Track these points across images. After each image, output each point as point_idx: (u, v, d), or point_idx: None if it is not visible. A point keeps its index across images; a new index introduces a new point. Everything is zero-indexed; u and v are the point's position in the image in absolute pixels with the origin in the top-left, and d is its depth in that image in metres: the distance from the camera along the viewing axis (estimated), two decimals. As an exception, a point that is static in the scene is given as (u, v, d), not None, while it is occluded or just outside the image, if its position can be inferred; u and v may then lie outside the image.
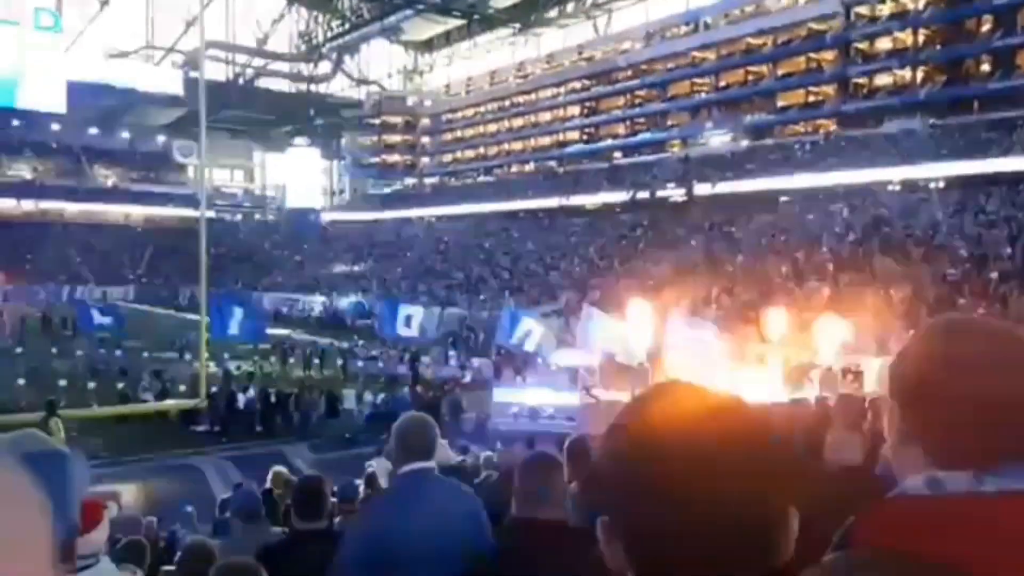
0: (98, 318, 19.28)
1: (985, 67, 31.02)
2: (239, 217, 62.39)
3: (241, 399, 17.90)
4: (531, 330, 16.82)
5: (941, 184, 28.48)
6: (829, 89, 36.75)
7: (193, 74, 48.75)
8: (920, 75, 33.01)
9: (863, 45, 35.19)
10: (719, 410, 0.75)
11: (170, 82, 55.02)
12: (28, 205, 52.41)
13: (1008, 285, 19.63)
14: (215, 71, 57.00)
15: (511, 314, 17.84)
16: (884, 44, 34.48)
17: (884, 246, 24.65)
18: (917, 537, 0.82)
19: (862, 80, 35.38)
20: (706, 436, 0.72)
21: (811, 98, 37.58)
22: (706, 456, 0.70)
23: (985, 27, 30.85)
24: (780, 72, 38.62)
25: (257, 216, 64.35)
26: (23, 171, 55.00)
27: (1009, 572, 0.78)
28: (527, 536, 2.12)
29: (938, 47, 32.30)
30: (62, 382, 18.81)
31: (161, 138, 59.41)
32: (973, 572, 0.78)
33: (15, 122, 52.31)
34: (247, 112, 58.26)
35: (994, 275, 20.45)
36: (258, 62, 64.20)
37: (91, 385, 18.96)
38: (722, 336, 15.13)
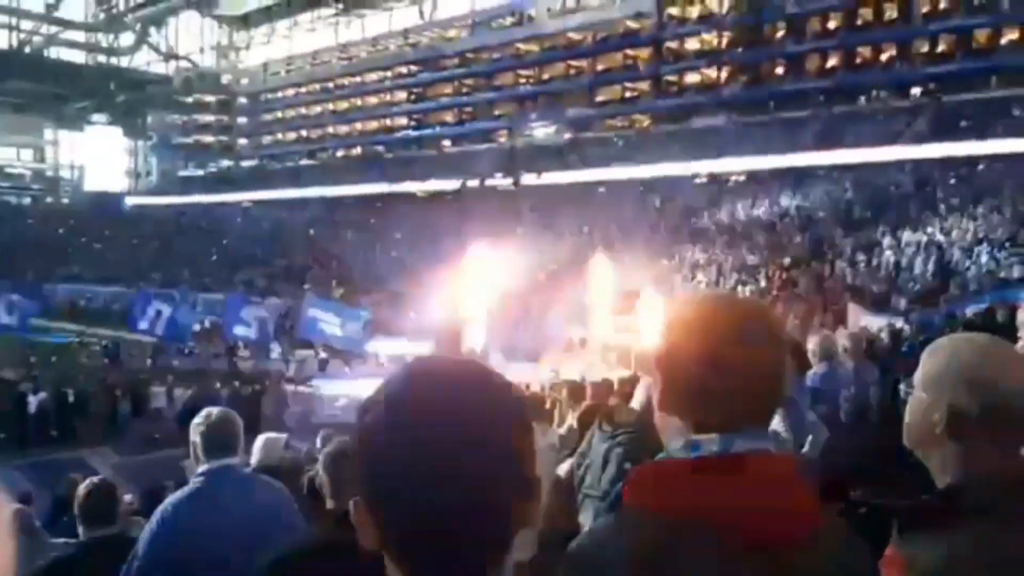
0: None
1: (779, 70, 34.04)
2: (27, 200, 56.28)
3: (32, 401, 16.16)
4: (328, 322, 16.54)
5: (742, 178, 31.00)
6: (644, 85, 38.81)
7: (-33, 38, 43.33)
8: (724, 75, 35.68)
9: (674, 45, 37.46)
10: (466, 382, 0.74)
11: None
12: None
13: (799, 269, 21.71)
14: (-4, 37, 50.98)
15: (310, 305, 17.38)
16: (693, 44, 36.92)
17: (692, 234, 26.49)
18: (677, 495, 0.93)
19: (673, 78, 37.67)
20: (448, 408, 0.71)
21: (627, 94, 39.52)
22: (445, 429, 0.70)
23: (779, 34, 33.84)
24: (599, 67, 40.25)
25: (50, 199, 58.30)
26: None
27: (757, 521, 0.90)
28: (336, 526, 2.02)
29: (739, 50, 35.04)
30: None
31: (-71, 110, 52.37)
32: (728, 522, 0.89)
33: None
34: (36, 84, 52.57)
35: (787, 260, 22.53)
36: (48, 30, 57.95)
37: None
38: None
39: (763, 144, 30.06)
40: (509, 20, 44.47)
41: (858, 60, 31.73)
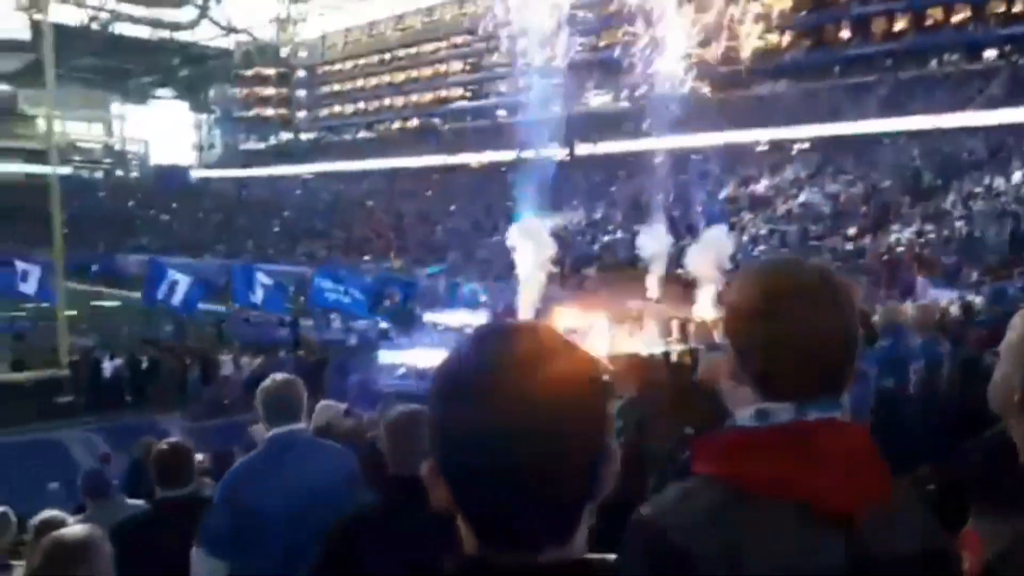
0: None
1: (844, 34, 32.81)
2: (98, 174, 58.20)
3: (107, 367, 16.88)
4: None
5: (806, 146, 30.12)
6: (704, 52, 37.86)
7: (38, 16, 44.64)
8: (787, 40, 34.58)
9: (735, 10, 36.38)
10: (535, 345, 0.74)
11: (14, 25, 50.22)
12: None
13: (864, 240, 21.09)
14: (66, 14, 52.39)
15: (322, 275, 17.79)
16: (755, 8, 35.80)
17: (753, 204, 25.91)
18: (748, 464, 0.91)
19: (733, 43, 36.63)
20: (518, 370, 0.71)
21: (685, 61, 38.61)
22: (523, 396, 0.71)
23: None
24: (657, 34, 39.37)
25: (119, 173, 60.21)
26: None
27: (828, 488, 0.88)
28: (401, 494, 2.08)
29: (803, 13, 33.86)
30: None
31: (5, 87, 54.30)
32: (800, 493, 0.88)
33: None
34: (103, 60, 54.06)
35: (851, 230, 21.90)
36: (113, 6, 59.37)
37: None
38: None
39: (827, 111, 29.12)
40: (566, -13, 43.75)
41: (928, 22, 30.34)
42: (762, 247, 22.84)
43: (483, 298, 22.73)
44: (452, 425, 0.72)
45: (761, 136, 30.99)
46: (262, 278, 17.86)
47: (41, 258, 17.40)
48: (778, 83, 33.22)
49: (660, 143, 34.01)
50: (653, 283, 22.00)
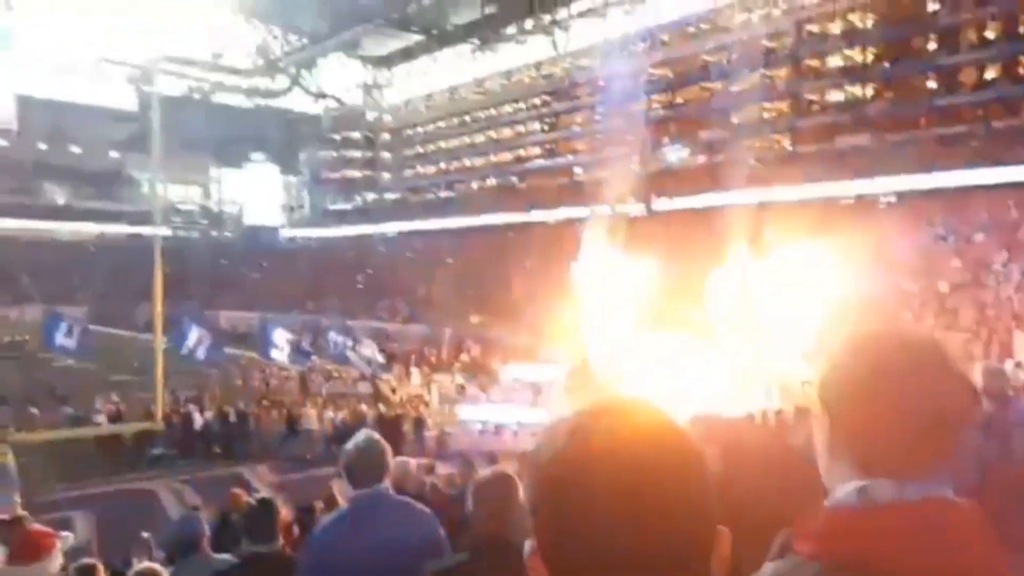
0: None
1: (931, 84, 32.02)
2: (195, 234, 61.33)
3: (198, 420, 17.54)
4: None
5: (892, 199, 29.26)
6: (783, 105, 37.55)
7: (147, 89, 47.99)
8: (870, 92, 33.95)
9: (814, 62, 36.08)
10: (651, 436, 0.72)
11: (123, 97, 54.08)
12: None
13: (958, 296, 20.19)
14: (170, 86, 56.18)
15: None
16: (835, 61, 35.41)
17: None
18: (847, 544, 0.86)
19: (814, 96, 36.23)
20: (634, 464, 0.69)
21: (765, 114, 38.35)
22: (633, 485, 0.68)
23: (931, 46, 31.86)
24: (734, 89, 39.35)
25: (214, 233, 63.32)
26: (-31, 188, 53.51)
27: (930, 569, 0.82)
28: (487, 554, 2.11)
29: (886, 64, 33.25)
30: (4, 407, 18.16)
31: (114, 154, 58.24)
32: (899, 572, 0.82)
33: (-39, 138, 50.98)
34: (203, 127, 57.46)
35: (944, 286, 21.02)
36: (214, 77, 63.41)
37: (34, 410, 18.30)
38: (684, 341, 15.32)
39: (915, 163, 28.29)
40: (641, 46, 44.37)
41: (1021, 70, 29.33)
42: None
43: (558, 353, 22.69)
44: (557, 514, 0.70)
45: (846, 190, 30.28)
46: (282, 333, 18.63)
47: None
48: (861, 135, 32.52)
49: (739, 197, 33.67)
50: (731, 339, 21.55)
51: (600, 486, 0.69)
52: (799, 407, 8.54)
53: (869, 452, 0.91)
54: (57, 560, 2.16)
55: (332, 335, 20.47)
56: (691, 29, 41.81)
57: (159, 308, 15.43)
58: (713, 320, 21.82)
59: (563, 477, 0.71)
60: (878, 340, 0.96)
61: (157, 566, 4.02)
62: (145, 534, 8.80)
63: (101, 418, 17.75)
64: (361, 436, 2.61)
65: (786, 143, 37.51)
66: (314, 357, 23.87)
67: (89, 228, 55.65)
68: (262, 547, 3.03)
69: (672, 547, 0.68)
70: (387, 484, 2.41)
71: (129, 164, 57.02)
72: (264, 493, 10.30)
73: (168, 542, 3.88)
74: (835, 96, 35.54)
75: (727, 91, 39.44)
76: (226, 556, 3.94)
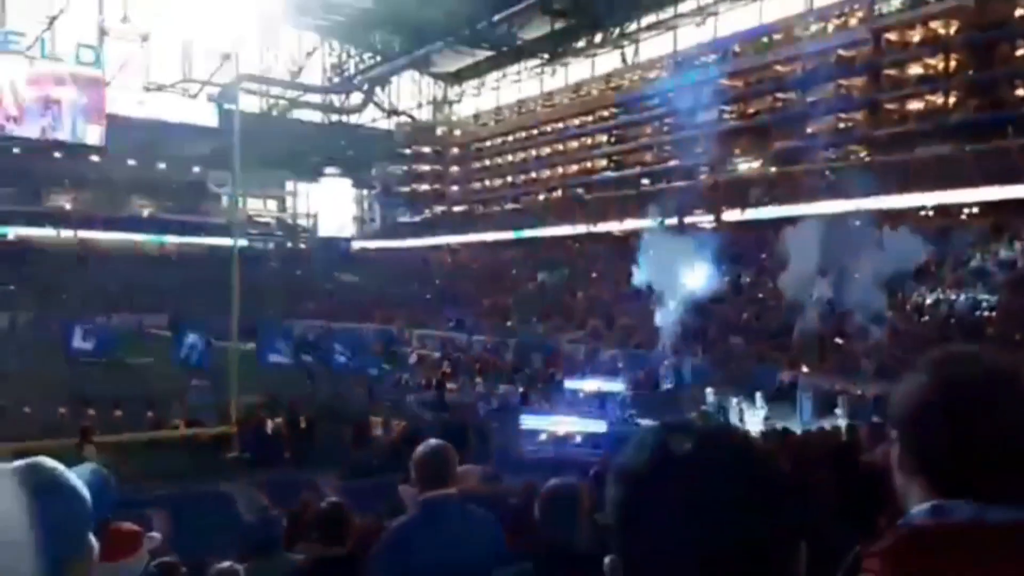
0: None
1: (1020, 92, 30.68)
2: (271, 246, 63.20)
3: (270, 425, 17.99)
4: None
5: (975, 210, 28.10)
6: (859, 115, 36.53)
7: (228, 107, 49.88)
8: (952, 100, 32.74)
9: (893, 71, 35.02)
10: (730, 451, 0.74)
11: (206, 115, 56.27)
12: (67, 235, 53.70)
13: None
14: (249, 104, 58.22)
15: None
16: (915, 70, 34.30)
17: (916, 273, 24.31)
18: (922, 565, 0.84)
19: (893, 106, 35.14)
20: (704, 471, 0.72)
21: (841, 124, 37.37)
22: (704, 491, 0.70)
23: (1019, 52, 30.57)
24: (809, 99, 38.49)
25: (289, 244, 65.15)
26: (63, 202, 56.42)
27: None
28: (549, 564, 2.13)
29: (970, 72, 32.02)
30: (91, 410, 18.95)
31: (196, 169, 60.60)
32: None
33: (57, 155, 53.83)
34: (280, 143, 59.29)
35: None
36: (291, 94, 65.45)
37: (117, 413, 19.09)
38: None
39: (1000, 172, 27.11)
40: (712, 57, 43.85)
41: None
42: (926, 318, 21.35)
43: (621, 365, 22.56)
44: (639, 526, 0.72)
45: (926, 200, 29.21)
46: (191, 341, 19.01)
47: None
48: (944, 144, 31.34)
49: (812, 208, 32.83)
50: (807, 353, 21.05)
51: (680, 498, 0.70)
52: (874, 424, 8.28)
53: (946, 472, 0.89)
54: (144, 559, 2.28)
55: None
56: (763, 39, 41.11)
57: (236, 316, 15.93)
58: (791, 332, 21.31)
59: (646, 489, 0.73)
60: (953, 361, 0.95)
61: (237, 565, 4.16)
62: (219, 535, 9.11)
63: (179, 422, 18.40)
64: (429, 443, 2.66)
65: (863, 153, 36.42)
66: (385, 365, 24.33)
67: (172, 240, 58.03)
68: (333, 550, 3.09)
69: (749, 559, 0.69)
70: (453, 490, 2.45)
71: (210, 179, 59.23)
72: (333, 498, 10.54)
73: (246, 542, 3.99)
74: (914, 105, 34.40)
75: (801, 101, 38.60)
76: (298, 557, 4.05)
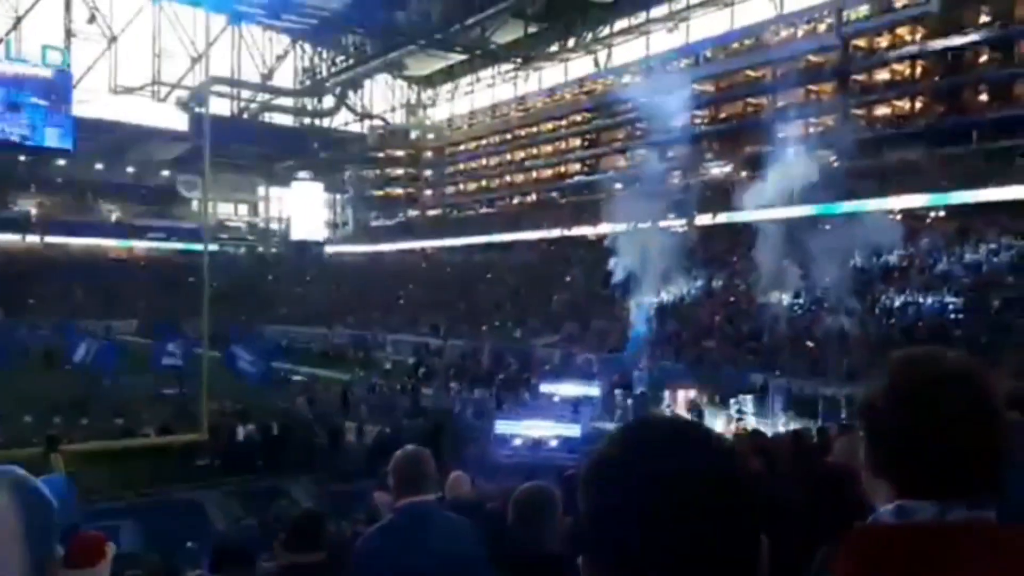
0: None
1: (983, 97, 31.32)
2: (242, 250, 62.60)
3: (241, 432, 17.79)
4: None
5: (941, 213, 28.62)
6: (829, 120, 37.05)
7: (199, 110, 49.34)
8: (919, 106, 33.34)
9: (862, 77, 35.58)
10: (696, 445, 0.74)
11: (175, 118, 55.60)
12: (33, 240, 52.74)
13: (1012, 313, 19.62)
14: (220, 106, 57.64)
15: None
16: (883, 75, 34.87)
17: (884, 276, 24.74)
18: (886, 565, 0.85)
19: (860, 111, 35.69)
20: (680, 471, 0.71)
21: (810, 130, 37.85)
22: (674, 486, 0.70)
23: (982, 58, 31.21)
24: (779, 104, 38.96)
25: (260, 249, 64.56)
26: (29, 206, 55.42)
27: None
28: (522, 567, 2.13)
29: (936, 78, 32.62)
30: (57, 419, 18.60)
31: (166, 173, 59.87)
32: None
33: (22, 157, 52.84)
34: (251, 146, 58.77)
35: (996, 303, 20.46)
36: (263, 97, 64.91)
37: (84, 421, 18.76)
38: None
39: (965, 177, 27.65)
40: (684, 63, 44.24)
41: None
42: (894, 320, 21.70)
43: (596, 369, 22.65)
44: (607, 520, 0.72)
45: (893, 204, 29.69)
46: (171, 348, 18.96)
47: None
48: (911, 150, 31.88)
49: (782, 212, 33.23)
50: (779, 356, 21.30)
51: (646, 490, 0.71)
52: (842, 425, 8.39)
53: (907, 471, 0.91)
54: (107, 566, 2.22)
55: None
56: (734, 45, 41.58)
57: (206, 323, 15.71)
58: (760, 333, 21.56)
59: (612, 484, 0.73)
60: (910, 360, 0.97)
61: (208, 574, 4.10)
62: (190, 544, 8.97)
63: (149, 430, 18.12)
64: (408, 448, 2.63)
65: (831, 158, 36.94)
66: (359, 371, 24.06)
67: (141, 244, 57.24)
68: (306, 557, 3.06)
69: (714, 550, 0.70)
70: (431, 497, 2.43)
71: (180, 182, 58.52)
72: (307, 505, 10.43)
73: (220, 551, 3.95)
74: (882, 110, 34.99)
75: (771, 106, 39.07)
76: (270, 565, 4.01)
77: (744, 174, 38.97)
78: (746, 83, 40.60)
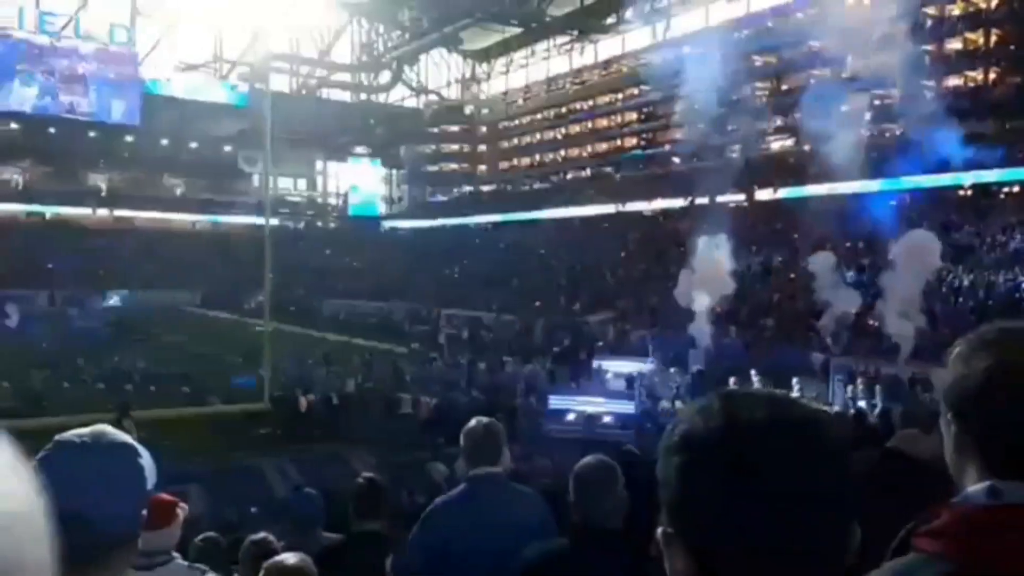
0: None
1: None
2: (301, 225, 63.73)
3: (303, 402, 18.24)
4: None
5: (1015, 189, 27.45)
6: (895, 91, 35.70)
7: (258, 86, 50.18)
8: (992, 76, 31.92)
9: (932, 47, 34.16)
10: (797, 420, 0.72)
11: (236, 94, 56.69)
12: (102, 213, 54.63)
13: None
14: (279, 82, 58.49)
15: None
16: (955, 45, 33.43)
17: (955, 253, 23.91)
18: (977, 545, 0.84)
19: (930, 82, 34.28)
20: (778, 442, 0.70)
21: (876, 101, 36.56)
22: (778, 468, 0.68)
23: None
24: (844, 75, 37.65)
25: (319, 224, 65.65)
26: (99, 181, 57.33)
27: None
28: (589, 542, 2.14)
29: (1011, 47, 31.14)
30: (128, 386, 19.37)
31: (228, 148, 61.13)
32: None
33: (92, 134, 54.64)
34: (310, 122, 59.57)
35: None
36: (321, 73, 65.61)
37: (153, 388, 19.50)
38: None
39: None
40: (745, 33, 43.08)
41: None
42: (964, 300, 20.97)
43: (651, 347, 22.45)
44: (701, 495, 0.70)
45: (964, 179, 28.58)
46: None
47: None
48: (983, 122, 30.56)
49: (846, 187, 32.27)
50: (837, 335, 20.81)
51: (749, 469, 0.68)
52: (907, 409, 8.17)
53: (1000, 453, 0.89)
54: (178, 529, 2.34)
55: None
56: (798, 15, 40.29)
57: (268, 295, 16.13)
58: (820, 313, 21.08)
59: (712, 458, 0.71)
60: (1007, 337, 0.93)
61: (270, 536, 4.24)
62: (253, 509, 9.30)
63: (214, 398, 18.76)
64: (480, 420, 2.64)
65: (898, 130, 35.64)
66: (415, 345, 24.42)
67: (204, 219, 58.77)
68: (369, 526, 3.12)
69: (812, 531, 0.68)
70: (499, 469, 2.45)
71: (241, 158, 59.74)
72: (365, 473, 10.67)
73: (287, 518, 4.06)
74: (954, 81, 33.57)
75: (836, 78, 37.79)
76: (334, 535, 4.10)
77: (807, 147, 37.92)
78: (809, 54, 39.32)
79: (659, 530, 0.74)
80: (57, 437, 1.13)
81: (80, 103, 51.87)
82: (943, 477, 1.01)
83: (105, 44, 51.67)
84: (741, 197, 36.39)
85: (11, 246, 42.08)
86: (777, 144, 40.42)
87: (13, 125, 52.60)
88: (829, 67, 38.32)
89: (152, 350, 25.24)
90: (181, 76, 56.72)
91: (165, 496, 2.73)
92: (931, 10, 33.76)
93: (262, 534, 4.20)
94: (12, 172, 54.06)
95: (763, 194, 35.38)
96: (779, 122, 40.66)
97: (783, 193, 34.59)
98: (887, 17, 35.26)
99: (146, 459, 1.19)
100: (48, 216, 52.98)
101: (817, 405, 0.76)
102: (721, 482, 0.69)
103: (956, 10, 33.01)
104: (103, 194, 55.88)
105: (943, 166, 28.82)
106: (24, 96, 49.97)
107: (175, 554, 2.30)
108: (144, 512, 1.15)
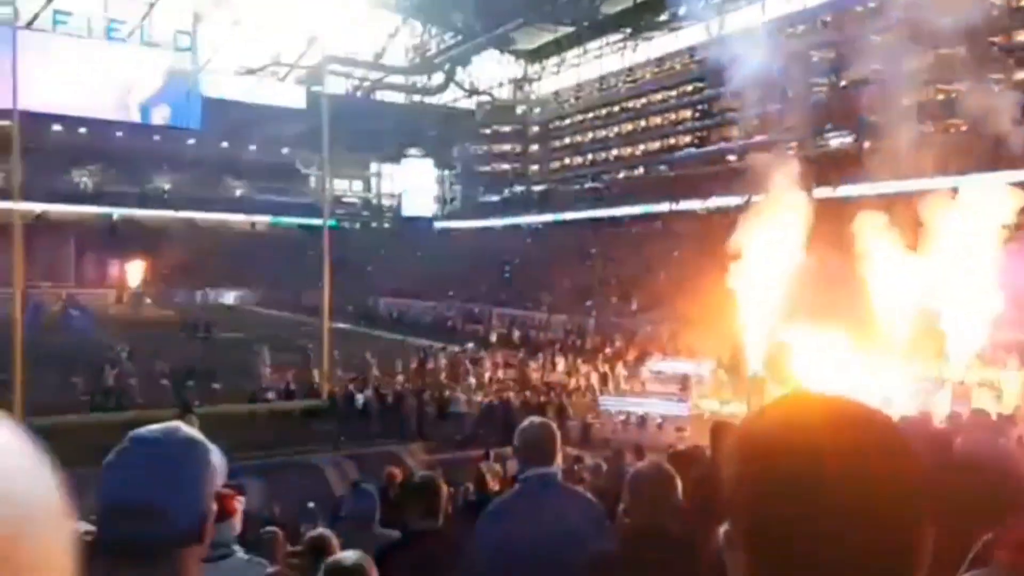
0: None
1: None
2: (357, 225, 64.70)
3: (359, 400, 18.53)
4: None
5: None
6: (960, 86, 34.54)
7: (315, 88, 51.11)
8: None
9: (999, 38, 32.96)
10: (857, 417, 0.71)
11: (294, 97, 57.83)
12: (166, 214, 56.37)
13: None
14: (335, 85, 59.45)
15: None
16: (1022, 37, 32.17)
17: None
18: None
19: (998, 76, 33.09)
20: (842, 442, 0.68)
21: (940, 96, 35.45)
22: (842, 463, 0.67)
23: None
24: (905, 69, 36.54)
25: (374, 224, 66.57)
26: (162, 183, 59.17)
27: None
28: (645, 545, 2.15)
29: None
30: (190, 383, 19.89)
31: (285, 150, 62.40)
32: None
33: (155, 137, 56.41)
34: (365, 124, 60.42)
35: None
36: (375, 76, 66.47)
37: (216, 386, 20.02)
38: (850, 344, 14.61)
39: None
40: (801, 28, 42.21)
41: None
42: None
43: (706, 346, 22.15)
44: (766, 499, 0.69)
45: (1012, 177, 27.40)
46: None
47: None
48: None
49: (906, 186, 31.24)
50: (897, 335, 20.21)
51: (818, 470, 0.66)
52: (975, 410, 7.91)
53: None
54: (239, 521, 2.41)
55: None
56: (857, 8, 39.29)
57: (327, 294, 16.42)
58: (881, 315, 20.55)
59: (780, 461, 0.69)
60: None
61: (329, 532, 4.33)
62: (311, 505, 9.49)
63: (272, 395, 19.19)
64: (533, 420, 2.66)
65: (963, 126, 34.44)
66: (469, 344, 24.58)
67: (263, 219, 60.15)
68: (426, 524, 3.13)
69: (884, 537, 0.66)
70: (554, 469, 2.46)
71: (298, 160, 60.94)
72: (421, 471, 10.79)
73: (345, 514, 4.12)
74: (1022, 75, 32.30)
75: (896, 72, 36.69)
76: (392, 532, 4.15)
77: (866, 145, 36.96)
78: (868, 48, 38.26)
79: (721, 531, 0.73)
80: (132, 432, 1.17)
81: (145, 108, 53.64)
82: None
83: (169, 50, 53.29)
84: (801, 195, 35.56)
85: (83, 247, 43.75)
86: (836, 141, 39.44)
87: (81, 130, 54.67)
88: (888, 62, 37.24)
89: (214, 347, 25.93)
90: (241, 80, 58.15)
91: (224, 490, 2.82)
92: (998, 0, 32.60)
93: (320, 530, 4.30)
94: (81, 175, 56.18)
95: (821, 191, 34.51)
96: (837, 118, 39.64)
97: (842, 191, 33.72)
98: (949, 8, 34.10)
99: (216, 456, 1.24)
100: (115, 217, 54.91)
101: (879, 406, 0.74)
102: (787, 485, 0.67)
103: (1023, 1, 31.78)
104: (166, 196, 57.65)
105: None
106: (92, 102, 51.87)
107: (236, 547, 2.34)
108: (214, 508, 1.19)
